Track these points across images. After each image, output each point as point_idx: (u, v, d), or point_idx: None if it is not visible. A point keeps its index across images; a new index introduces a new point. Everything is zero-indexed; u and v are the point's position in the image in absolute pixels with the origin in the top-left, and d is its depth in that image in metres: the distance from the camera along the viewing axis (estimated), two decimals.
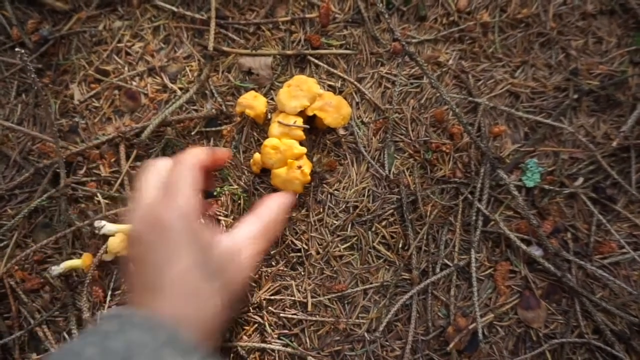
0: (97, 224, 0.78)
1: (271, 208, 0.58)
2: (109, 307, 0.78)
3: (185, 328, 0.44)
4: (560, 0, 0.89)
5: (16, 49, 0.70)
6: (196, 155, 0.54)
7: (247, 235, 0.54)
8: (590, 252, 0.79)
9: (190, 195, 0.50)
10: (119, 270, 0.79)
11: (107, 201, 0.82)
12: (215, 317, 0.48)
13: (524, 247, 0.77)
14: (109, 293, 0.78)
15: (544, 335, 0.77)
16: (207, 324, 0.48)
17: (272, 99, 0.84)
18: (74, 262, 0.77)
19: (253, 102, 0.78)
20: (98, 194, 0.82)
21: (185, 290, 0.47)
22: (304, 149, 0.73)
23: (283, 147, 0.73)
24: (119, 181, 0.83)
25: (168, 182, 0.51)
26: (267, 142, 0.73)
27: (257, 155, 0.79)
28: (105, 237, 0.79)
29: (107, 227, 0.78)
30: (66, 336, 0.78)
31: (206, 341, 0.47)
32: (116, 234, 0.78)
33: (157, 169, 0.54)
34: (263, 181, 0.81)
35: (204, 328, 0.47)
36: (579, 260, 0.78)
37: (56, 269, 0.77)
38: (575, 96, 0.85)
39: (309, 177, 0.73)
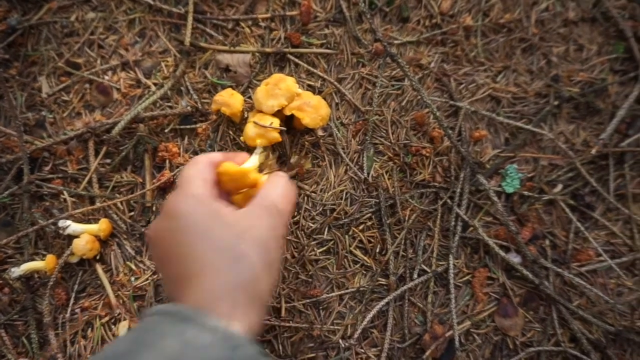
0: (61, 223, 0.74)
1: (284, 178, 0.59)
2: (72, 310, 0.74)
3: (223, 307, 0.44)
4: (542, 7, 0.89)
5: None
6: (209, 156, 0.57)
7: (276, 193, 0.55)
8: (568, 260, 0.79)
9: (200, 185, 0.52)
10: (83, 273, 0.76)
11: (73, 199, 0.79)
12: (256, 280, 0.48)
13: (502, 253, 0.76)
14: (73, 296, 0.75)
15: (521, 343, 0.76)
16: (249, 289, 0.47)
17: (249, 97, 0.82)
18: (36, 264, 0.74)
19: (229, 100, 0.76)
20: (64, 192, 0.79)
21: (217, 266, 0.46)
22: (258, 177, 0.60)
23: (237, 175, 0.59)
24: (86, 179, 0.79)
25: (180, 180, 0.54)
26: (221, 169, 0.58)
27: None
28: (71, 238, 0.75)
29: (73, 227, 0.74)
30: (25, 341, 0.74)
31: (255, 306, 0.46)
32: (82, 235, 0.74)
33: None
34: None
35: (247, 294, 0.46)
36: (557, 268, 0.77)
37: (16, 271, 0.73)
38: (556, 103, 0.84)
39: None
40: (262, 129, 0.72)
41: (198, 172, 0.54)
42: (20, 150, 0.77)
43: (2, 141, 0.80)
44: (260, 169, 0.66)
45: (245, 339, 0.43)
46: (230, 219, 0.50)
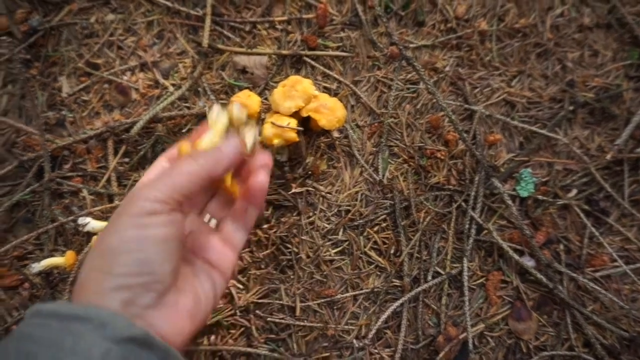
0: (81, 220, 0.75)
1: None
2: None
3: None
4: (557, 12, 0.89)
5: (2, 37, 0.67)
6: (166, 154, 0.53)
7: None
8: (582, 265, 0.79)
9: (147, 201, 0.45)
10: None
11: (92, 197, 0.80)
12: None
13: (516, 257, 0.76)
14: None
15: (534, 347, 0.76)
16: None
17: (266, 99, 0.83)
18: (56, 260, 0.75)
19: (247, 101, 0.77)
20: (83, 190, 0.80)
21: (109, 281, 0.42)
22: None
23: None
24: (105, 177, 0.80)
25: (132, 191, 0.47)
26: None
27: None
28: (90, 235, 0.76)
29: (92, 224, 0.75)
30: None
31: None
32: (100, 232, 0.75)
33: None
34: None
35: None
36: (571, 273, 0.77)
37: (37, 266, 0.74)
38: (571, 108, 0.84)
39: None
40: (279, 129, 0.73)
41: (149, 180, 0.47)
42: (41, 148, 0.79)
43: (23, 140, 0.82)
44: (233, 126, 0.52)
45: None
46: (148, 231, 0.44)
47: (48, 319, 0.41)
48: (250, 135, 0.51)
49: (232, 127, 0.51)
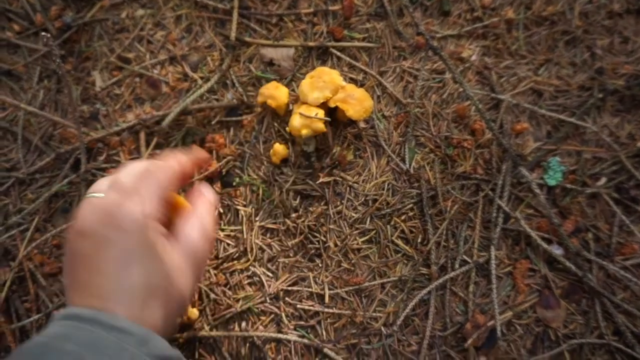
0: None
1: (207, 206, 0.59)
2: None
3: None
4: None
5: (42, 33, 0.70)
6: (170, 168, 0.55)
7: (193, 243, 0.54)
8: (612, 253, 0.78)
9: (153, 207, 0.49)
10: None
11: None
12: (159, 332, 0.48)
13: (544, 245, 0.76)
14: None
15: (563, 335, 0.76)
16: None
17: (293, 90, 0.84)
18: None
19: (275, 93, 0.78)
20: None
21: (135, 302, 0.46)
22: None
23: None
24: None
25: (135, 186, 0.50)
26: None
27: (277, 146, 0.79)
28: None
29: None
30: None
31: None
32: None
33: (135, 170, 0.52)
34: (282, 172, 0.81)
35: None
36: (600, 261, 0.77)
37: None
38: (600, 95, 0.84)
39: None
40: (307, 119, 0.74)
41: (154, 186, 0.51)
42: (77, 140, 0.82)
43: (60, 132, 0.85)
44: None
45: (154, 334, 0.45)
46: (163, 257, 0.49)
47: (89, 325, 0.43)
48: None
49: None
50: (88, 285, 0.46)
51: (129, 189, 0.49)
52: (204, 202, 0.59)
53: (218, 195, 0.69)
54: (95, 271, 0.46)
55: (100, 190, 0.49)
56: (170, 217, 0.56)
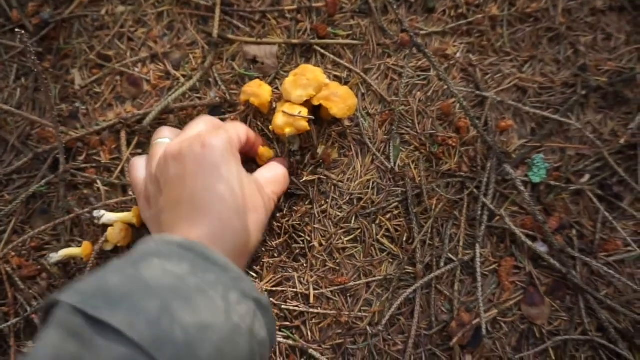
0: (96, 213, 0.76)
1: (280, 164, 0.74)
2: None
3: (222, 252, 0.49)
4: None
5: (16, 30, 0.68)
6: (245, 129, 0.69)
7: (268, 178, 0.70)
8: (596, 250, 0.79)
9: (234, 135, 0.62)
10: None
11: (106, 188, 0.81)
12: (246, 245, 0.56)
13: (529, 242, 0.77)
14: None
15: (548, 332, 0.76)
16: (239, 250, 0.54)
17: (276, 88, 0.83)
18: (73, 251, 0.76)
19: (258, 91, 0.77)
20: (98, 181, 0.81)
21: (224, 214, 0.53)
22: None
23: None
24: (119, 168, 0.81)
25: (218, 123, 0.67)
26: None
27: (261, 149, 0.77)
28: (105, 226, 0.77)
29: (107, 216, 0.76)
30: None
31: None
32: (115, 224, 0.76)
33: (210, 119, 0.68)
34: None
35: (237, 253, 0.53)
36: (584, 257, 0.77)
37: (54, 257, 0.75)
38: (583, 92, 0.84)
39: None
40: (290, 118, 0.73)
41: (236, 127, 0.65)
42: (56, 140, 0.80)
43: (38, 132, 0.83)
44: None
45: (244, 274, 0.49)
46: (243, 182, 0.59)
47: (184, 251, 0.46)
48: None
49: None
50: (174, 204, 0.55)
51: (216, 125, 0.66)
52: (281, 161, 0.75)
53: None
54: (189, 197, 0.54)
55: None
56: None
